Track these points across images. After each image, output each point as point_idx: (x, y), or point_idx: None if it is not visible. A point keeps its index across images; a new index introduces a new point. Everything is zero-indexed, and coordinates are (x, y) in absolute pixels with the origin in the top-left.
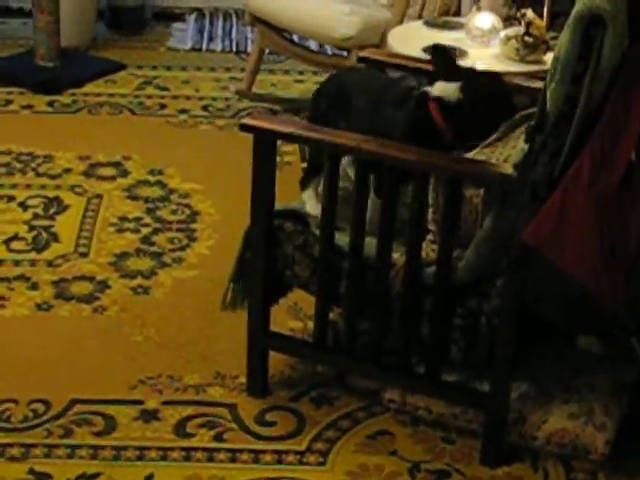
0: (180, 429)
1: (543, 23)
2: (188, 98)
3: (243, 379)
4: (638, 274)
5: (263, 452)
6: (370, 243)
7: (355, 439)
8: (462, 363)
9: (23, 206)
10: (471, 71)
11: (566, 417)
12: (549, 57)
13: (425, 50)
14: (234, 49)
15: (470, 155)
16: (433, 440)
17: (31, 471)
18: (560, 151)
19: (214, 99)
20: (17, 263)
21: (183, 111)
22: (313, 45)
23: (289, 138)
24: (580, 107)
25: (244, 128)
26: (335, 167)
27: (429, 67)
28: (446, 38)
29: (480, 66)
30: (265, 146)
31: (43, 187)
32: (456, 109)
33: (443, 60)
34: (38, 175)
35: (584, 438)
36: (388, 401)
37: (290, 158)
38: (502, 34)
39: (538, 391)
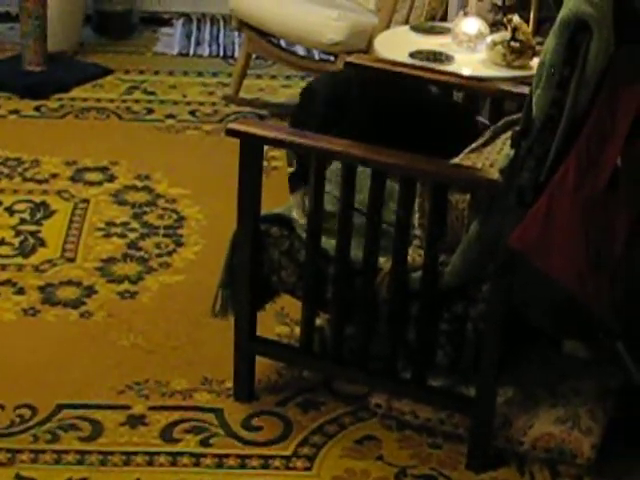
0: (167, 434)
1: (529, 28)
2: (175, 103)
3: (230, 384)
4: (623, 278)
5: (249, 457)
6: (356, 248)
7: (341, 444)
8: (448, 368)
9: (10, 211)
10: None
11: (552, 422)
12: (535, 62)
13: (412, 55)
14: (221, 54)
15: (456, 160)
16: (419, 445)
17: (17, 476)
18: (546, 156)
19: (201, 104)
20: (4, 268)
21: (170, 116)
22: (300, 50)
23: (276, 143)
24: (566, 112)
25: (231, 133)
26: (321, 172)
27: (415, 72)
28: (433, 43)
29: (467, 71)
30: (252, 151)
31: (30, 192)
32: None
33: None
34: (25, 180)
35: (570, 443)
36: (374, 406)
37: (277, 163)
38: (488, 39)
39: (524, 396)
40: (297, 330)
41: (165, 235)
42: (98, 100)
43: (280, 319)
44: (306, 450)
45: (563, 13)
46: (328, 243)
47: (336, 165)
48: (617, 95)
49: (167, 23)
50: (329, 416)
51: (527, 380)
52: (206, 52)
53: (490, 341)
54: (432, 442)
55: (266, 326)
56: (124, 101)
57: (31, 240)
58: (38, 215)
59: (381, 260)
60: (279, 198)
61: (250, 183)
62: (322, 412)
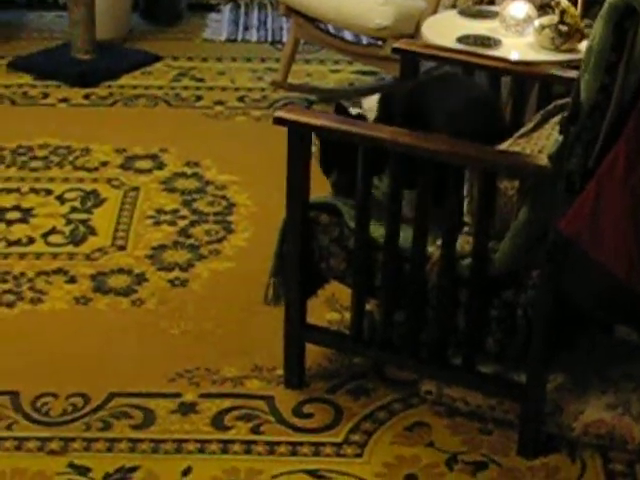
0: (218, 422)
1: (577, 11)
2: (224, 89)
3: (280, 371)
4: None
5: (300, 444)
6: (406, 235)
7: (392, 431)
8: (498, 354)
9: (60, 199)
10: None
11: (603, 408)
12: (583, 46)
13: (460, 40)
14: (269, 39)
15: (505, 146)
16: (470, 431)
17: (71, 465)
18: (595, 142)
19: (250, 90)
20: (55, 257)
21: (219, 102)
22: (348, 35)
23: (323, 131)
24: (614, 97)
25: (278, 121)
26: (369, 161)
27: (463, 57)
28: (480, 27)
29: (515, 55)
30: (299, 139)
31: (80, 180)
32: None
33: None
34: (75, 168)
35: (621, 428)
36: (425, 392)
37: None
38: (536, 23)
39: (575, 382)
40: (347, 316)
41: (215, 222)
42: (147, 87)
43: (331, 305)
44: (357, 437)
45: None
46: (377, 231)
47: None
48: None
49: (215, 9)
50: (379, 402)
51: (578, 366)
52: (254, 38)
53: (540, 327)
54: (483, 428)
55: (317, 312)
56: (173, 88)
57: (82, 228)
58: (88, 203)
59: (430, 248)
60: (328, 183)
61: (298, 171)
62: (372, 399)
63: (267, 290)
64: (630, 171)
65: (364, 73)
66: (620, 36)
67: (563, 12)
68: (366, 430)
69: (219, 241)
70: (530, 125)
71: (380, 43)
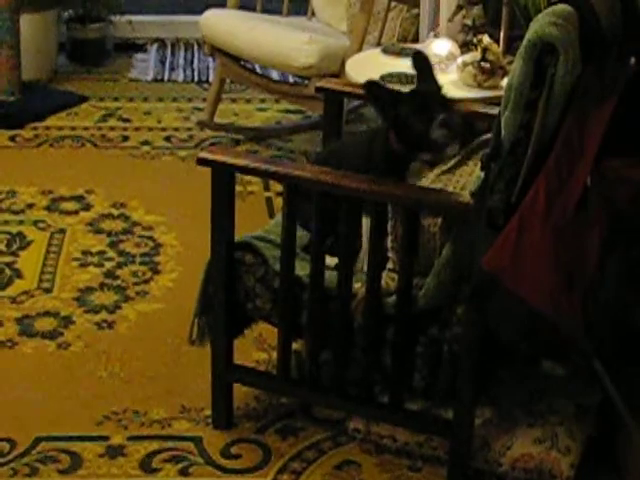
0: (146, 464)
1: (499, 48)
2: (150, 129)
3: (208, 412)
4: (595, 298)
5: None
6: (330, 274)
7: (321, 470)
8: (425, 391)
9: None
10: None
11: (530, 442)
12: (506, 82)
13: (383, 78)
14: (196, 79)
15: (427, 183)
16: (399, 469)
17: None
18: (516, 178)
19: (176, 130)
20: None
21: (145, 143)
22: (275, 74)
23: (246, 171)
24: (535, 134)
25: (201, 162)
26: (294, 200)
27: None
28: (404, 65)
29: None
30: (223, 179)
31: (6, 223)
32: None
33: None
34: (1, 211)
35: (549, 462)
36: (353, 431)
37: (253, 188)
38: (459, 60)
39: (502, 416)
40: (275, 356)
41: (142, 263)
42: (73, 128)
43: (258, 345)
44: (286, 477)
45: (529, 36)
46: (302, 270)
47: None
48: (585, 115)
49: (141, 49)
50: (308, 442)
51: (504, 400)
52: (180, 77)
53: (466, 363)
54: (411, 465)
55: (244, 352)
56: (99, 129)
57: (8, 271)
58: (14, 246)
59: (355, 285)
60: (256, 222)
61: (222, 211)
62: (301, 438)
63: (191, 330)
64: (551, 206)
65: (290, 112)
66: (539, 73)
67: (485, 49)
68: (295, 470)
69: (146, 282)
70: (453, 161)
71: (306, 82)
